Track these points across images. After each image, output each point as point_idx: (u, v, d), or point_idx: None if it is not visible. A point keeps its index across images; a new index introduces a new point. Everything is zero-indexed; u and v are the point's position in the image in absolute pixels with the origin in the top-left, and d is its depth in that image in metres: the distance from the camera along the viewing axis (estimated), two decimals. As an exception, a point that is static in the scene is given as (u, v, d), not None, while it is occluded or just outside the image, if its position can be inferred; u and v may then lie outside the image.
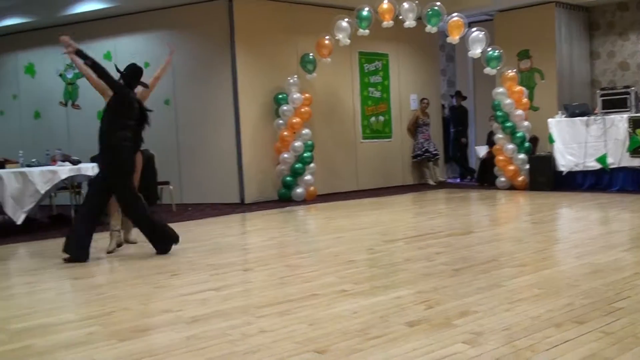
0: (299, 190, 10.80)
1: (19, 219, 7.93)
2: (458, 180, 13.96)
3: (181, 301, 4.28)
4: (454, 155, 14.16)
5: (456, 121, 13.94)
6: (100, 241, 6.67)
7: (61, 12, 11.44)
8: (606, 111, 10.59)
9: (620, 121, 10.11)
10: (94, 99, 11.84)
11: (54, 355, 3.26)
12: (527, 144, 11.13)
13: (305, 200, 10.79)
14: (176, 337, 3.45)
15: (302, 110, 10.85)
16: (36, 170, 8.20)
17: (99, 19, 11.50)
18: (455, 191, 11.90)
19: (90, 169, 8.82)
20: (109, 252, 6.40)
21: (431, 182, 13.05)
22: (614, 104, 10.68)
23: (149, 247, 6.35)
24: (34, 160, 9.05)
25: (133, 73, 6.37)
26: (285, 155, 10.72)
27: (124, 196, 6.19)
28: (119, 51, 11.48)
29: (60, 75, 12.13)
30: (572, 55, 12.49)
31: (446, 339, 3.21)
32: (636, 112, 10.38)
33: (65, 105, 12.16)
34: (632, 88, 10.88)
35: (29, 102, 12.52)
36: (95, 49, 11.55)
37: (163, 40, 11.16)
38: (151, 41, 11.29)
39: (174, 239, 6.24)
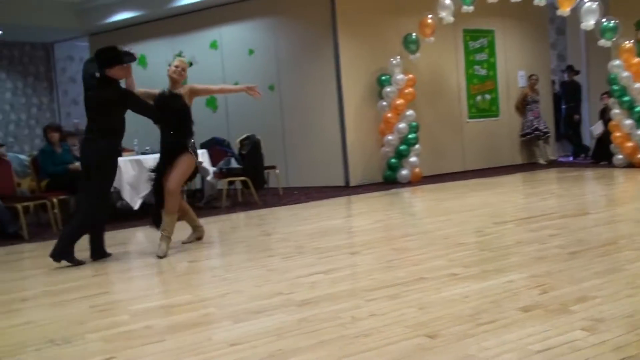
0: (404, 172, 10.71)
1: (136, 205, 8.32)
2: (571, 158, 13.40)
3: (292, 284, 4.35)
4: (565, 133, 13.58)
5: (568, 97, 13.35)
6: (213, 224, 6.88)
7: (169, 5, 11.84)
8: None
9: None
10: (202, 87, 12.31)
11: (174, 335, 3.40)
12: (646, 119, 10.50)
13: (411, 182, 10.69)
14: (288, 320, 3.51)
15: (406, 91, 10.72)
16: (150, 157, 8.56)
17: (205, 9, 11.81)
18: (568, 170, 11.41)
19: (201, 155, 9.11)
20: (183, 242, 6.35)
21: (542, 161, 12.58)
22: None
23: (259, 231, 6.48)
24: (147, 147, 9.46)
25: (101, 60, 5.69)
26: (390, 137, 10.64)
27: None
28: (224, 40, 11.77)
29: (169, 65, 12.53)
30: (696, 22, 11.64)
31: (563, 325, 3.09)
32: None
33: (175, 94, 12.59)
34: None
35: (141, 93, 13.06)
36: (201, 39, 11.96)
37: (267, 27, 11.36)
38: (255, 29, 11.50)
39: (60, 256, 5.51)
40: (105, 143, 5.62)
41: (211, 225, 7.53)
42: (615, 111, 10.64)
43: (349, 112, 10.74)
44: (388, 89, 10.68)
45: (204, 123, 11.81)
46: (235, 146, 9.87)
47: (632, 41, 10.72)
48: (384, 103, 10.76)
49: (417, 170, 10.86)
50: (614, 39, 10.31)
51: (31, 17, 12.34)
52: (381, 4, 10.94)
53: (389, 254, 5.25)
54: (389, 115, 10.66)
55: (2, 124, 14.60)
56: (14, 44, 14.79)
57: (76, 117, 13.99)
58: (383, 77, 10.79)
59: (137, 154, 9.21)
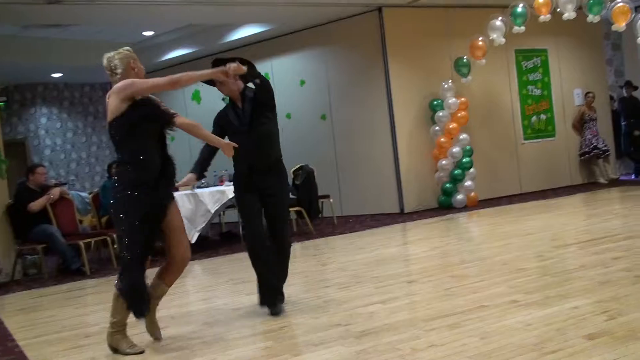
0: (460, 196, 10.57)
1: (193, 238, 8.43)
2: (633, 176, 12.99)
3: (349, 315, 4.32)
4: (626, 150, 13.20)
5: (628, 113, 12.99)
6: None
7: (222, 40, 12.10)
8: None
9: None
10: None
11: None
12: None
13: (467, 207, 10.54)
14: (347, 352, 3.48)
15: (459, 115, 10.62)
16: (206, 191, 8.70)
17: (257, 42, 12.02)
18: (631, 189, 11.06)
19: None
20: None
21: (602, 181, 12.24)
22: None
23: (315, 261, 6.47)
24: (203, 181, 9.59)
25: None
26: (444, 162, 10.54)
27: None
28: (275, 71, 11.93)
29: (224, 99, 12.76)
30: None
31: (633, 352, 2.97)
32: None
33: (230, 127, 12.79)
34: None
35: (197, 127, 13.31)
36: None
37: (317, 57, 11.48)
38: (306, 59, 11.64)
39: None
40: None
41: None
42: (678, 126, 10.30)
43: (401, 138, 10.70)
44: (440, 113, 10.61)
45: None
46: (289, 176, 9.92)
47: (692, 54, 10.40)
48: (437, 128, 10.69)
49: (472, 194, 10.70)
50: (673, 53, 10.02)
51: (90, 58, 12.78)
52: (431, 27, 10.93)
53: (447, 281, 5.17)
54: (442, 139, 10.57)
55: (64, 163, 15.08)
56: (75, 86, 15.34)
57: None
58: (435, 102, 10.73)
59: (194, 187, 9.35)
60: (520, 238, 7.01)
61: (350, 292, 5.12)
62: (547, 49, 12.32)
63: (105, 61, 4.20)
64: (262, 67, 11.91)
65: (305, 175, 9.51)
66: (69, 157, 15.19)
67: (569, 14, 10.25)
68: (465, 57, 10.71)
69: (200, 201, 8.56)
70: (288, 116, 11.55)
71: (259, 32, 11.60)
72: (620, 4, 9.94)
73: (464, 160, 10.54)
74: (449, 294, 4.68)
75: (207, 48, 12.39)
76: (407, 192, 10.72)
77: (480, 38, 10.58)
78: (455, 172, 10.53)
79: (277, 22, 11.06)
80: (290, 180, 9.77)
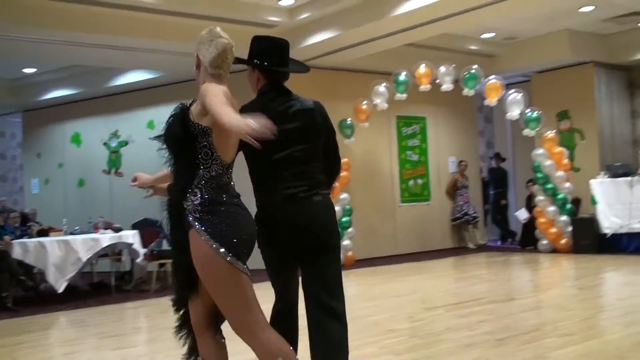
0: (338, 255, 10.72)
1: (61, 287, 8.02)
2: (499, 243, 13.73)
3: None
4: (494, 218, 13.97)
5: (496, 183, 13.80)
6: (141, 309, 6.63)
7: (106, 84, 11.85)
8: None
9: None
10: (137, 167, 12.20)
11: None
12: (569, 206, 10.93)
13: (344, 266, 10.72)
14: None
15: (341, 175, 10.87)
16: (79, 238, 8.35)
17: (143, 89, 11.85)
18: (497, 255, 11.69)
19: (131, 236, 8.94)
20: None
21: (471, 246, 12.86)
22: None
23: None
24: (77, 228, 9.23)
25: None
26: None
27: None
28: (161, 120, 11.77)
29: (105, 144, 12.45)
30: (612, 115, 12.37)
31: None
32: (681, 172, 10.15)
33: (109, 173, 12.45)
34: None
35: (73, 171, 12.84)
36: (138, 118, 11.94)
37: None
38: (192, 109, 11.59)
39: None
40: None
41: (139, 309, 7.32)
42: (540, 198, 11.06)
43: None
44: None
45: (137, 203, 11.68)
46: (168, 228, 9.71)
47: (554, 131, 11.28)
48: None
49: (350, 253, 10.91)
50: (537, 129, 10.83)
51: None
52: (317, 88, 11.19)
53: (320, 340, 5.18)
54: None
55: None
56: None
57: (1, 195, 13.58)
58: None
59: (66, 233, 8.95)
60: (392, 299, 7.20)
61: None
62: (426, 117, 12.95)
63: None
64: (147, 115, 11.78)
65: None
66: None
67: (447, 86, 10.91)
68: (349, 119, 11.07)
69: (72, 249, 8.18)
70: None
71: (146, 79, 11.46)
72: (493, 81, 10.71)
73: (344, 219, 10.76)
74: (321, 353, 4.70)
75: (91, 90, 12.10)
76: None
77: (365, 102, 11.00)
78: (335, 230, 10.69)
79: (164, 70, 10.97)
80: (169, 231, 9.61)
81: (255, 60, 3.27)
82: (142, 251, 9.03)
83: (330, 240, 3.23)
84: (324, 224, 3.21)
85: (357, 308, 6.95)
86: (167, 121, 3.11)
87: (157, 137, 3.14)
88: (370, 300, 7.24)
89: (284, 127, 3.07)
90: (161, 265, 9.27)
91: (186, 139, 2.95)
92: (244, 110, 3.15)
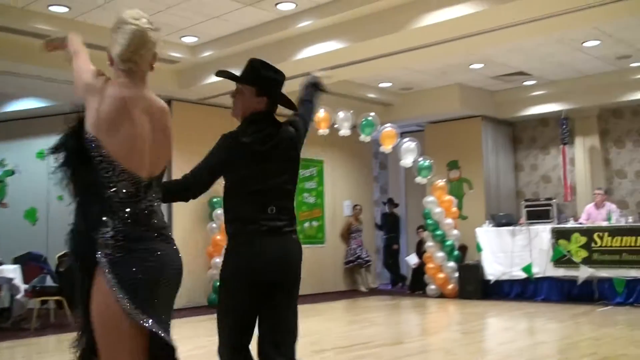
0: (230, 295, 10.59)
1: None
2: (389, 287, 14.02)
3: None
4: (385, 262, 14.27)
5: (388, 228, 14.15)
6: (18, 348, 6.29)
7: (-3, 110, 11.34)
8: (531, 222, 10.99)
9: (543, 232, 10.47)
10: (23, 198, 11.64)
11: None
12: (456, 253, 11.38)
13: (236, 306, 10.57)
14: None
15: (236, 214, 10.81)
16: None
17: (33, 118, 11.40)
18: (387, 298, 11.93)
19: (12, 270, 8.48)
20: None
21: (363, 289, 13.06)
22: (538, 214, 11.12)
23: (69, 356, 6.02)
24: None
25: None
26: (217, 260, 10.59)
27: None
28: (51, 150, 11.36)
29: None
30: (498, 167, 13.06)
31: None
32: (558, 223, 10.81)
33: (-8, 203, 11.80)
34: (554, 200, 11.42)
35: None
36: (27, 147, 11.45)
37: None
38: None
39: None
40: None
41: (16, 349, 6.91)
42: (429, 244, 11.44)
43: (177, 232, 10.57)
44: (219, 211, 10.74)
45: (21, 236, 11.12)
46: (53, 263, 9.30)
47: (444, 180, 11.77)
48: (214, 225, 10.78)
49: (243, 293, 10.78)
50: (429, 177, 11.26)
51: None
52: (218, 125, 11.11)
53: (207, 383, 5.09)
54: (219, 237, 10.66)
55: None
56: None
57: None
58: (215, 199, 10.86)
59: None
60: (283, 341, 7.16)
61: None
62: (323, 160, 13.17)
63: None
64: (37, 144, 11.32)
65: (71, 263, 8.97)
66: None
67: (345, 131, 11.18)
68: (247, 159, 11.06)
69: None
70: (60, 198, 10.94)
71: (38, 107, 11.04)
72: (389, 129, 11.08)
73: (236, 259, 10.66)
74: (208, 397, 4.61)
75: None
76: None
77: (263, 143, 11.04)
78: (228, 270, 10.58)
79: (58, 99, 10.61)
80: (54, 267, 9.19)
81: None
82: (23, 287, 8.57)
83: (299, 279, 3.28)
84: (299, 261, 3.28)
85: (247, 350, 6.89)
86: (61, 135, 2.61)
87: (54, 150, 2.60)
88: (261, 342, 7.17)
89: (271, 158, 3.17)
90: (43, 302, 8.83)
91: (85, 154, 2.46)
92: (232, 137, 3.19)
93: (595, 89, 11.64)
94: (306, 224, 12.72)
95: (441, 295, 11.31)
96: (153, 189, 2.55)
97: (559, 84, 11.95)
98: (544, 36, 9.09)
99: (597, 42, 9.68)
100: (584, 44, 9.78)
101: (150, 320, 2.40)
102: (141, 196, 2.46)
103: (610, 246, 9.73)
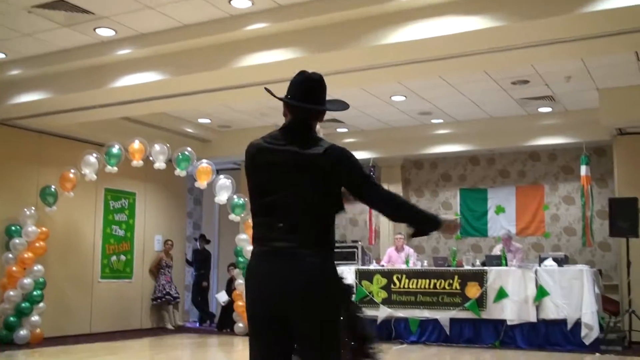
0: (23, 332, 9.84)
1: None
2: (197, 324, 13.81)
3: None
4: (194, 299, 14.06)
5: (198, 264, 14.00)
6: None
7: None
8: (338, 263, 11.40)
9: (349, 273, 10.94)
10: None
11: None
12: (266, 291, 11.49)
13: (30, 344, 9.84)
14: None
15: (37, 244, 10.15)
16: None
17: None
18: (194, 336, 11.73)
19: None
20: None
21: (169, 326, 12.73)
22: (344, 256, 11.59)
23: None
24: None
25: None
26: (12, 293, 9.81)
27: None
28: None
29: None
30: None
31: None
32: (362, 265, 11.36)
33: None
34: (359, 242, 12.01)
35: None
36: None
37: None
38: None
39: None
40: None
41: None
42: (239, 282, 11.47)
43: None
44: (17, 241, 10.01)
45: None
46: None
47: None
48: (10, 255, 10.01)
49: (38, 330, 10.07)
50: (242, 215, 11.36)
51: None
52: (21, 151, 10.51)
53: None
54: (14, 268, 9.91)
55: None
56: None
57: None
58: (13, 227, 10.12)
59: None
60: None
61: None
62: (136, 193, 12.80)
63: None
64: None
65: None
66: None
67: (160, 164, 10.98)
68: (53, 187, 10.50)
69: None
70: None
71: None
72: (205, 165, 11.06)
73: (35, 293, 9.98)
74: None
75: None
76: (-37, 322, 9.60)
77: (72, 170, 10.55)
78: (23, 304, 9.86)
79: None
80: None
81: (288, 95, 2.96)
82: None
83: (312, 312, 2.79)
84: (303, 289, 2.80)
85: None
86: None
87: None
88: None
89: (273, 167, 2.85)
90: None
91: None
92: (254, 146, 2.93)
93: (400, 140, 12.54)
94: (113, 258, 12.20)
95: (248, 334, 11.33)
96: None
97: (368, 134, 12.72)
98: (357, 88, 9.68)
99: (402, 98, 10.48)
100: (392, 98, 10.54)
101: None
102: None
103: (408, 288, 10.40)
